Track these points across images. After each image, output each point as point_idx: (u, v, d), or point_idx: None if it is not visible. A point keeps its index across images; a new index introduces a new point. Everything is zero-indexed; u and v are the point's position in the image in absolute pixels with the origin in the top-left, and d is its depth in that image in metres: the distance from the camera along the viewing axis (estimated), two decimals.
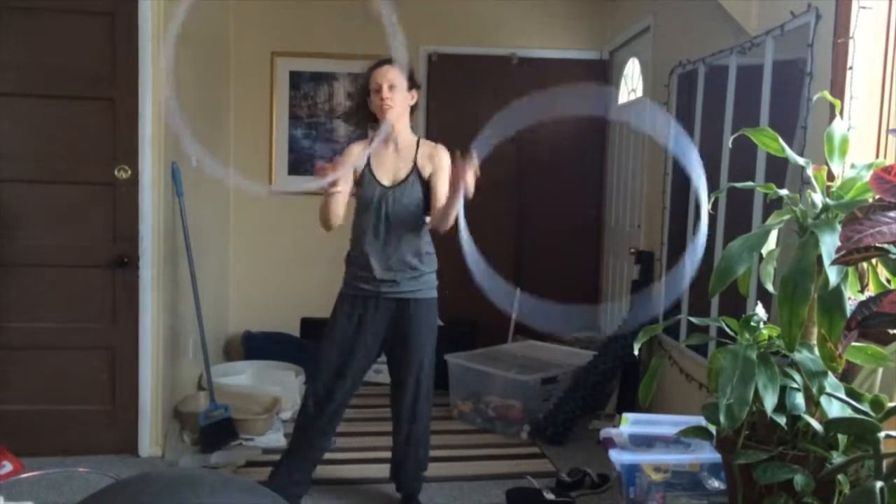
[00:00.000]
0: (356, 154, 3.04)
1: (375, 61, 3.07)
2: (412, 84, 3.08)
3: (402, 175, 3.04)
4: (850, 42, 2.59)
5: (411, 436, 3.15)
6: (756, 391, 1.98)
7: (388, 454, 3.28)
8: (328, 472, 3.49)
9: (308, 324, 5.20)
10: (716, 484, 2.71)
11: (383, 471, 3.34)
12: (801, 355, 2.04)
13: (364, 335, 3.08)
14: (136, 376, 3.63)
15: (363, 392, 3.67)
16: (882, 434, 1.76)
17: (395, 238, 3.02)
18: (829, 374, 2.01)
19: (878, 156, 2.62)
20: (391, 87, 2.98)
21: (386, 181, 3.04)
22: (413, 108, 3.12)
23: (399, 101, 3.01)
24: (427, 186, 3.04)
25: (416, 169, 3.03)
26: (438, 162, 3.04)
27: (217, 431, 3.69)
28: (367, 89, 3.05)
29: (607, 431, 2.94)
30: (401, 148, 3.07)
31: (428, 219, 3.06)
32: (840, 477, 1.96)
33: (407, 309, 3.07)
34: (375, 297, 3.06)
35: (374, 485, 3.44)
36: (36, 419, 3.59)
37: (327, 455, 3.54)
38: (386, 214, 3.01)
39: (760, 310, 2.28)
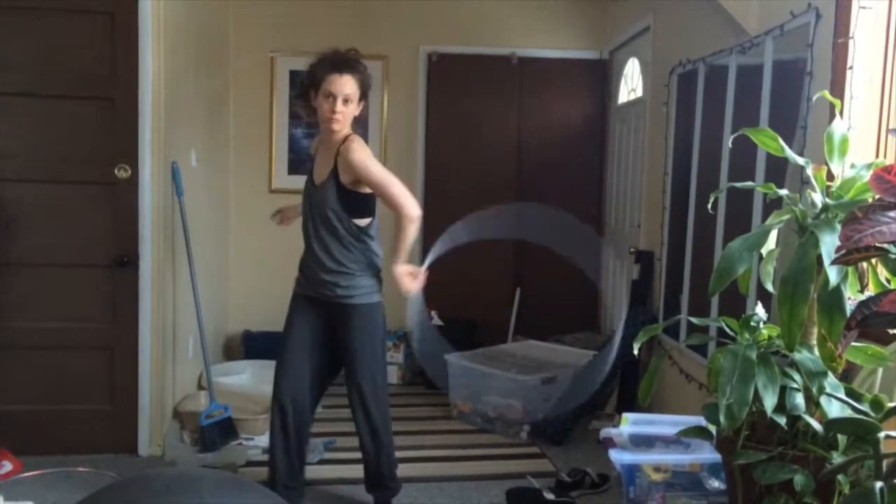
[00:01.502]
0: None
1: (332, 58, 2.86)
2: (364, 95, 2.91)
3: (324, 176, 2.93)
4: (850, 42, 2.59)
5: (366, 447, 3.06)
6: (756, 391, 1.98)
7: None
8: (326, 473, 3.51)
9: None
10: (716, 484, 2.71)
11: None
12: (800, 355, 2.04)
13: (301, 335, 3.04)
14: (136, 376, 3.63)
15: None
16: (882, 434, 1.76)
17: (320, 239, 2.94)
18: (829, 374, 2.00)
19: (877, 155, 2.62)
20: (346, 102, 2.81)
21: (317, 180, 2.97)
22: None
23: (349, 113, 2.85)
24: (346, 190, 2.88)
25: (335, 172, 2.89)
26: (354, 171, 2.85)
27: (217, 431, 3.69)
28: (316, 83, 2.85)
29: (607, 431, 2.94)
30: (330, 148, 2.93)
31: (360, 222, 2.92)
32: (840, 477, 1.96)
33: (338, 312, 2.98)
34: (312, 298, 3.03)
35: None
36: (36, 419, 3.59)
37: (326, 455, 3.51)
38: (313, 214, 2.96)
39: (760, 310, 2.28)
